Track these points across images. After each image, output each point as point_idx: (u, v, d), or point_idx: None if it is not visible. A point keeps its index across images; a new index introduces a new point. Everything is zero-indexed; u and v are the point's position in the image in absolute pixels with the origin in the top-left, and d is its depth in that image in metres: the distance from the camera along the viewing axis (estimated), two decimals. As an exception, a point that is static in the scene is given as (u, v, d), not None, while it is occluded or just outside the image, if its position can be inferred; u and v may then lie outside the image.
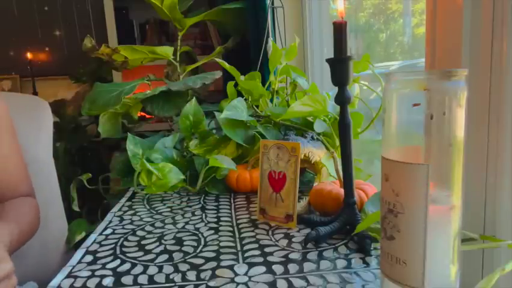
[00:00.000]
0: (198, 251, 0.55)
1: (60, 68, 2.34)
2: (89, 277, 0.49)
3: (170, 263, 0.51)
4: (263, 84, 0.89)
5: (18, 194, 0.75)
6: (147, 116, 1.46)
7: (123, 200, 0.81)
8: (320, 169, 0.73)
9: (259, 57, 1.09)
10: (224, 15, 1.28)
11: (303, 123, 0.82)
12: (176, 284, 0.46)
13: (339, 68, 0.51)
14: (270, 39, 1.07)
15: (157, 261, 0.52)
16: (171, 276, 0.48)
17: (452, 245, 0.32)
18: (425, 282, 0.32)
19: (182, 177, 0.80)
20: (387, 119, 0.34)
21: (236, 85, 0.90)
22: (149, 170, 0.77)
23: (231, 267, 0.49)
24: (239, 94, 0.89)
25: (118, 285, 0.47)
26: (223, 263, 0.51)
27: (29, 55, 2.33)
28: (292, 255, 0.52)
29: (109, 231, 0.64)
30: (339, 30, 0.50)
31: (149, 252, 0.55)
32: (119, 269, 0.50)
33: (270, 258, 0.51)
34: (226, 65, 0.89)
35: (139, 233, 0.63)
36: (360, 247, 0.52)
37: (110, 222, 0.68)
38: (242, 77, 0.89)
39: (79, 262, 0.53)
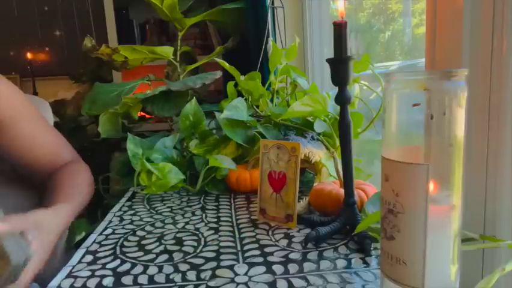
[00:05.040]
0: (198, 251, 0.55)
1: (60, 68, 2.34)
2: (89, 277, 0.49)
3: (170, 263, 0.52)
4: (263, 84, 0.89)
5: (61, 162, 0.78)
6: (147, 116, 1.46)
7: (123, 200, 0.81)
8: (319, 169, 0.73)
9: (259, 57, 1.09)
10: (224, 15, 1.28)
11: (303, 123, 0.82)
12: (176, 284, 0.46)
13: (339, 68, 0.51)
14: (270, 39, 1.07)
15: (157, 261, 0.52)
16: (171, 276, 0.48)
17: (452, 245, 0.32)
18: (425, 282, 0.32)
19: (183, 177, 0.80)
20: (387, 119, 0.34)
21: (236, 85, 0.90)
22: (149, 170, 0.77)
23: (231, 267, 0.49)
24: (239, 94, 0.89)
25: (118, 285, 0.47)
26: (223, 263, 0.51)
27: (29, 55, 2.33)
28: (292, 255, 0.52)
29: (109, 231, 0.64)
30: (339, 30, 0.50)
31: (149, 252, 0.55)
32: (119, 269, 0.50)
33: (270, 258, 0.51)
34: (226, 65, 0.89)
35: (139, 233, 0.63)
36: (360, 247, 0.52)
37: (110, 222, 0.68)
38: (242, 77, 0.89)
39: (79, 262, 0.53)
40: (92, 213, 1.41)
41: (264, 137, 0.80)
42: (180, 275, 0.48)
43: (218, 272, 0.48)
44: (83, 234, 0.92)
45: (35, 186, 0.80)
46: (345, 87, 0.52)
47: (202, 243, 0.57)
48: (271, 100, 0.92)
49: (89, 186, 0.78)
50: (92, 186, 0.80)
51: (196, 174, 0.83)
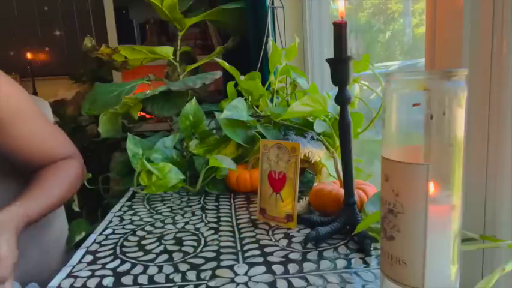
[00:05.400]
0: (198, 251, 0.55)
1: (60, 68, 2.34)
2: (89, 277, 0.49)
3: (170, 263, 0.52)
4: (263, 84, 0.89)
5: (58, 159, 0.80)
6: (147, 116, 1.46)
7: (123, 200, 0.81)
8: (320, 169, 0.73)
9: (259, 57, 1.09)
10: (224, 15, 1.28)
11: (303, 123, 0.82)
12: (176, 284, 0.46)
13: (339, 68, 0.51)
14: (270, 39, 1.07)
15: (157, 261, 0.52)
16: (171, 276, 0.48)
17: (452, 245, 0.32)
18: (425, 282, 0.32)
19: (183, 177, 0.80)
20: (387, 119, 0.34)
21: (236, 85, 0.90)
22: (149, 170, 0.77)
23: (231, 267, 0.49)
24: (239, 94, 0.89)
25: (118, 285, 0.47)
26: (223, 263, 0.51)
27: (29, 55, 2.33)
28: (292, 255, 0.52)
29: (109, 231, 0.64)
30: (339, 30, 0.50)
31: (149, 252, 0.55)
32: (119, 269, 0.50)
33: (270, 258, 0.51)
34: (226, 65, 0.89)
35: (139, 233, 0.63)
36: (360, 247, 0.52)
37: (110, 222, 0.68)
38: (242, 77, 0.89)
39: (79, 262, 0.53)
40: (92, 213, 1.41)
41: (264, 137, 0.80)
42: (180, 275, 0.48)
43: (218, 272, 0.48)
44: (83, 234, 0.92)
45: None
46: (345, 87, 0.52)
47: (202, 243, 0.57)
48: (271, 100, 0.92)
49: (72, 182, 0.79)
50: (78, 182, 0.81)
51: (196, 174, 0.83)
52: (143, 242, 0.59)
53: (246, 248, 0.55)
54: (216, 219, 0.67)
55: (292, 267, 0.48)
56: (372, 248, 0.52)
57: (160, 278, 0.48)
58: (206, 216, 0.68)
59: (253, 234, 0.60)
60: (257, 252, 0.53)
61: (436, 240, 0.32)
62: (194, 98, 0.90)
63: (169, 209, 0.73)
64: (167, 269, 0.50)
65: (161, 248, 0.56)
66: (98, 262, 0.53)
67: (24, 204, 0.65)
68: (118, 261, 0.53)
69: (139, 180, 0.77)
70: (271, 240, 0.57)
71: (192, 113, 0.87)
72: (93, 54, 1.11)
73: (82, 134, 1.94)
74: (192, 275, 0.48)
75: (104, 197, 1.24)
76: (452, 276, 0.33)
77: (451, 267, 0.33)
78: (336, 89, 0.53)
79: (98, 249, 0.57)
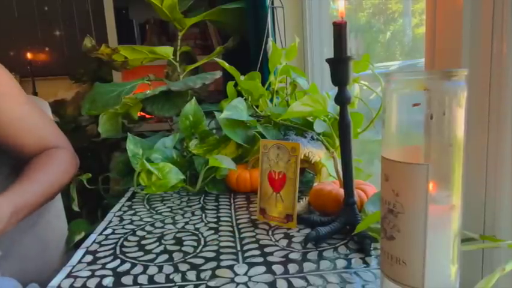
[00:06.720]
0: (197, 251, 0.55)
1: (60, 68, 2.34)
2: (89, 277, 0.49)
3: (170, 263, 0.52)
4: (263, 84, 0.89)
5: (50, 146, 0.80)
6: (147, 116, 1.46)
7: (123, 200, 0.81)
8: (319, 169, 0.73)
9: (259, 57, 1.09)
10: (224, 15, 1.28)
11: (303, 123, 0.82)
12: (176, 284, 0.46)
13: (339, 68, 0.51)
14: (270, 39, 1.07)
15: (157, 261, 0.52)
16: (171, 276, 0.48)
17: (452, 245, 0.32)
18: (425, 282, 0.32)
19: (182, 177, 0.80)
20: (387, 119, 0.34)
21: (236, 85, 0.90)
22: (149, 170, 0.77)
23: (230, 267, 0.49)
24: (239, 94, 0.89)
25: (118, 285, 0.47)
26: (223, 263, 0.51)
27: (29, 55, 2.33)
28: (292, 255, 0.52)
29: (109, 231, 0.64)
30: (339, 30, 0.50)
31: (149, 252, 0.55)
32: (119, 269, 0.50)
33: (270, 258, 0.51)
34: (226, 65, 0.89)
35: (139, 233, 0.63)
36: (360, 247, 0.52)
37: (110, 222, 0.68)
38: (242, 77, 0.89)
39: (79, 262, 0.53)
40: (92, 213, 1.41)
41: (264, 137, 0.80)
42: (180, 275, 0.48)
43: (218, 272, 0.48)
44: (83, 234, 0.92)
45: None
46: (344, 87, 0.52)
47: (202, 243, 0.57)
48: (271, 100, 0.92)
49: (65, 169, 0.79)
50: (72, 169, 0.82)
51: (196, 174, 0.83)
52: (143, 242, 0.59)
53: (246, 248, 0.55)
54: (215, 219, 0.67)
55: (292, 267, 0.48)
56: (372, 248, 0.52)
57: (160, 278, 0.48)
58: (206, 216, 0.68)
59: (253, 234, 0.60)
60: (257, 252, 0.53)
61: (436, 240, 0.32)
62: (194, 98, 0.90)
63: (169, 209, 0.73)
64: (167, 269, 0.50)
65: (161, 248, 0.56)
66: (98, 262, 0.53)
67: (9, 195, 0.66)
68: (118, 261, 0.53)
69: (139, 180, 0.77)
70: (271, 240, 0.57)
71: (192, 113, 0.87)
72: (93, 54, 1.11)
73: (82, 134, 1.95)
74: (191, 275, 0.48)
75: (104, 197, 1.24)
76: (452, 276, 0.33)
77: (450, 267, 0.33)
78: (336, 89, 0.53)
79: (98, 249, 0.57)
